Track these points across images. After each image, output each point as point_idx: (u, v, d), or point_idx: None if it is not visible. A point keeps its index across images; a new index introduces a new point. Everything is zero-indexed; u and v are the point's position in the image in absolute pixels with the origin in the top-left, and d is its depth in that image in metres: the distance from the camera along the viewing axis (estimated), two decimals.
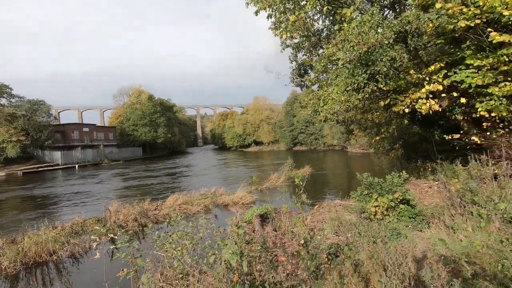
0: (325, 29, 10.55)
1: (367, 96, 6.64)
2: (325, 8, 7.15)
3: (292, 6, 7.07)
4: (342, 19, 7.45)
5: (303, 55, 11.04)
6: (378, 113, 9.15)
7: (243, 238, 3.25)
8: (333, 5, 7.48)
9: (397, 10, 7.82)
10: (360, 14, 6.20)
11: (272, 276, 2.82)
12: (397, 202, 6.00)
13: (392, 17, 7.47)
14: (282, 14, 7.21)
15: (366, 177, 6.67)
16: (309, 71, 12.70)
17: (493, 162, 6.45)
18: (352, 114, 10.00)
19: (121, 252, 3.51)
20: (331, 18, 8.77)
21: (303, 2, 6.80)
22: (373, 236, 4.71)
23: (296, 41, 9.56)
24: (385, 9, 8.25)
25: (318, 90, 9.87)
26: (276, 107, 77.75)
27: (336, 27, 6.81)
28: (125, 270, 3.53)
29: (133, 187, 19.92)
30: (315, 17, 9.49)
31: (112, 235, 4.73)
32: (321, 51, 10.93)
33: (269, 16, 7.25)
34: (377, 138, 12.52)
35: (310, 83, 10.24)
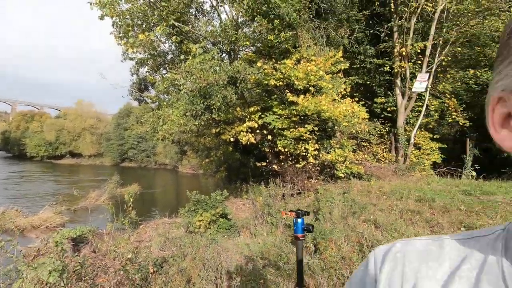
0: (170, 52, 11.11)
1: (202, 123, 7.62)
2: (173, 37, 7.77)
3: (141, 23, 7.21)
4: (188, 50, 8.28)
5: (146, 71, 11.03)
6: (209, 138, 10.43)
7: (62, 256, 2.97)
8: (181, 36, 8.21)
9: (232, 57, 9.56)
10: (203, 52, 7.21)
11: None
12: (217, 216, 7.04)
13: (227, 61, 9.06)
14: (130, 27, 7.16)
15: (194, 194, 7.42)
16: (150, 87, 12.72)
17: (283, 184, 8.86)
18: (188, 136, 10.83)
19: None
20: (177, 45, 9.47)
21: (152, 25, 7.12)
22: (196, 246, 5.36)
23: (140, 56, 9.54)
24: (223, 52, 9.86)
25: (157, 108, 10.09)
26: (104, 116, 69.02)
27: (182, 57, 7.53)
28: None
29: None
30: (162, 39, 9.91)
31: None
32: (164, 71, 11.34)
33: (115, 24, 7.01)
34: (207, 160, 13.96)
35: (150, 101, 10.32)
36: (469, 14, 11.36)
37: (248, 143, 8.82)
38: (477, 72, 12.32)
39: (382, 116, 13.02)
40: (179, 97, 7.35)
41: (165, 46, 10.61)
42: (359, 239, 4.65)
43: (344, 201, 7.34)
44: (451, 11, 11.09)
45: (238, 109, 8.70)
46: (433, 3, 10.48)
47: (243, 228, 7.10)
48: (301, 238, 2.29)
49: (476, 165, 11.99)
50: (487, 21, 11.23)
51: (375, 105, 13.00)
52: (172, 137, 8.39)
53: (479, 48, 12.81)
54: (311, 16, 8.64)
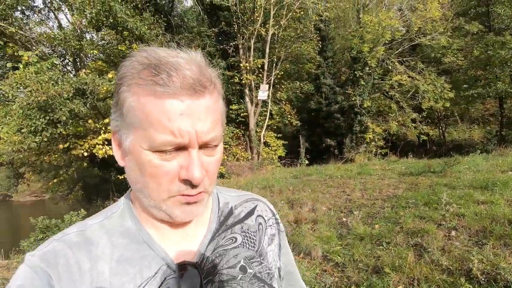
0: None
1: (45, 139, 6.68)
2: None
3: None
4: (16, 55, 7.08)
5: None
6: (56, 155, 9.13)
7: None
8: (4, 38, 6.90)
9: (78, 65, 8.76)
10: (40, 59, 6.38)
11: None
12: None
13: (72, 70, 8.26)
14: None
15: (41, 220, 6.49)
16: None
17: None
18: (25, 155, 9.09)
19: None
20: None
21: None
22: None
23: None
24: (66, 58, 8.89)
25: None
26: None
27: (10, 64, 6.36)
28: None
29: None
30: None
31: None
32: None
33: None
34: (55, 181, 12.01)
35: None
36: (292, 39, 14.71)
37: (106, 156, 8.36)
38: (301, 84, 16.06)
39: (237, 120, 14.90)
40: (8, 111, 6.19)
41: None
42: None
43: None
44: (279, 36, 14.00)
45: (90, 121, 8.11)
46: (265, 29, 12.94)
47: None
48: None
49: (307, 155, 15.65)
50: (303, 45, 14.85)
51: (230, 111, 14.74)
52: (2, 159, 6.91)
53: (301, 65, 16.71)
54: (162, 30, 9.08)
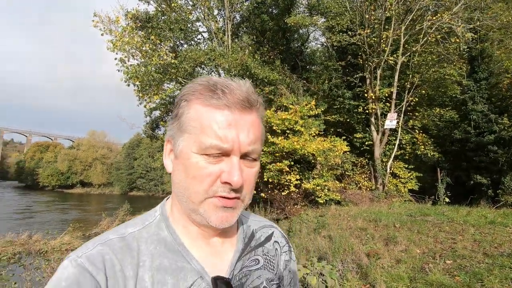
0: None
1: None
2: None
3: (157, 83, 9.46)
4: None
5: (158, 114, 13.28)
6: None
7: None
8: None
9: None
10: None
11: None
12: None
13: None
14: (147, 87, 9.40)
15: None
16: (161, 126, 14.92)
17: (271, 210, 10.55)
18: None
19: None
20: None
21: (165, 86, 9.38)
22: None
23: (153, 105, 11.82)
24: None
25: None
26: (115, 146, 71.83)
27: None
28: None
29: None
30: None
31: None
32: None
33: (137, 87, 9.22)
34: None
35: (162, 141, 12.40)
36: (430, 63, 13.53)
37: None
38: (441, 111, 14.25)
39: (361, 149, 14.77)
40: None
41: (174, 93, 12.95)
42: (309, 247, 6.32)
43: (316, 222, 8.98)
44: (413, 61, 13.24)
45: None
46: (394, 57, 12.64)
47: None
48: None
49: (448, 192, 13.49)
50: (443, 69, 13.32)
51: (355, 139, 14.81)
52: None
53: (442, 90, 14.85)
54: (289, 73, 10.83)
